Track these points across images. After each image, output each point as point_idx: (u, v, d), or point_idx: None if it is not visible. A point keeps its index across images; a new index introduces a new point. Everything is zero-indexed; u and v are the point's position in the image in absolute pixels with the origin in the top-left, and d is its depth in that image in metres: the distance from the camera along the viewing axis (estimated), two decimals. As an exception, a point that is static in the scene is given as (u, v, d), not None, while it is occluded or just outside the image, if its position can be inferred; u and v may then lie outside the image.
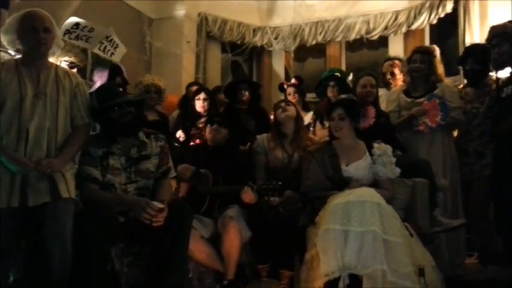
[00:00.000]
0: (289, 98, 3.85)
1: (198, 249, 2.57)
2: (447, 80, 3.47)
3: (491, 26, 2.95)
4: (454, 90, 3.32)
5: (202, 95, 3.73)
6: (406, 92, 3.36)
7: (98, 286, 2.04)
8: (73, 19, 3.55)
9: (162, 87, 3.83)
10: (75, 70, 3.39)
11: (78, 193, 2.25)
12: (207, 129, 2.96)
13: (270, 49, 5.58)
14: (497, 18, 3.43)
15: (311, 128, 3.52)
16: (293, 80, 3.94)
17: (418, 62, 3.28)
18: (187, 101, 3.97)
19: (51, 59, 2.49)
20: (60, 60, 3.35)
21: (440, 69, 3.33)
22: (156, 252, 2.22)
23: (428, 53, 3.35)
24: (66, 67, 3.32)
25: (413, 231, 2.40)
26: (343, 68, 5.33)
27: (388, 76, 3.70)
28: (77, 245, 2.08)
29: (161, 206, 2.17)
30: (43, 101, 2.16)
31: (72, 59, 3.42)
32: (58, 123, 2.20)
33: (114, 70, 3.71)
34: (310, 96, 4.28)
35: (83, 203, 2.27)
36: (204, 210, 2.74)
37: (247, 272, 2.79)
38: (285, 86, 3.97)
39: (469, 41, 4.20)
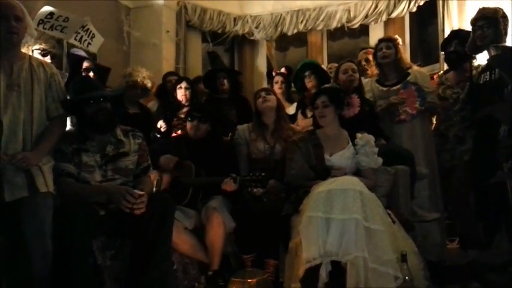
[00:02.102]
0: (276, 86, 3.83)
1: (182, 240, 2.55)
2: (416, 67, 3.52)
3: (481, 7, 2.95)
4: (426, 75, 3.40)
5: (183, 84, 3.69)
6: (379, 82, 3.40)
7: (80, 280, 2.00)
8: (47, 8, 3.44)
9: (150, 87, 3.80)
10: (48, 57, 3.31)
11: (55, 189, 2.19)
12: (188, 125, 2.91)
13: (252, 38, 5.54)
14: (476, 5, 3.45)
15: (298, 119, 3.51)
16: (283, 69, 3.93)
17: (384, 49, 3.32)
18: (165, 91, 3.93)
19: (23, 49, 2.41)
20: (32, 50, 3.24)
21: (406, 56, 3.38)
22: (138, 244, 2.19)
23: (391, 40, 3.39)
24: (39, 55, 3.23)
25: (396, 218, 2.42)
26: (325, 56, 5.34)
27: (363, 63, 3.75)
28: (57, 240, 2.03)
29: (141, 192, 2.15)
30: (17, 92, 2.09)
31: (43, 46, 3.32)
32: (33, 115, 2.13)
33: (74, 60, 3.60)
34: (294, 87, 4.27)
35: (61, 198, 2.21)
36: (187, 202, 2.71)
37: (232, 262, 2.78)
38: (274, 74, 3.94)
39: (448, 28, 4.24)
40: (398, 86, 3.27)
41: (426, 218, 2.91)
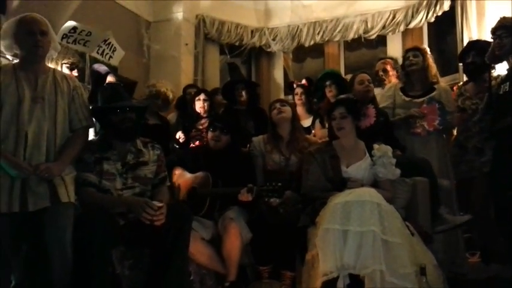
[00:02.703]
0: (296, 97, 3.84)
1: (199, 251, 2.56)
2: (443, 82, 3.50)
3: (501, 16, 2.93)
4: (450, 93, 3.36)
5: (202, 96, 3.74)
6: (403, 90, 3.37)
7: (99, 287, 2.03)
8: (70, 23, 3.56)
9: (171, 99, 3.88)
10: (75, 71, 3.42)
11: (77, 198, 2.24)
12: (209, 135, 2.94)
13: (269, 50, 5.59)
14: (495, 15, 3.42)
15: (312, 131, 3.51)
16: (303, 81, 3.93)
17: (412, 57, 3.31)
18: (184, 103, 3.99)
19: (50, 64, 2.50)
20: (61, 64, 3.37)
21: (434, 69, 3.36)
22: (156, 254, 2.22)
23: (419, 49, 3.38)
24: (67, 70, 3.34)
25: (415, 230, 2.39)
26: (342, 67, 5.34)
27: (381, 73, 3.74)
28: (78, 249, 2.07)
29: (160, 204, 2.18)
30: (41, 104, 2.16)
31: (71, 60, 3.44)
32: (57, 127, 2.19)
33: (96, 75, 3.69)
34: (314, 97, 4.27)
35: (82, 208, 2.26)
36: (204, 212, 2.73)
37: (248, 273, 2.78)
38: (294, 85, 3.95)
39: (467, 38, 4.20)
40: (422, 99, 3.24)
41: (459, 221, 2.84)
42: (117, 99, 2.38)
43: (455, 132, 3.48)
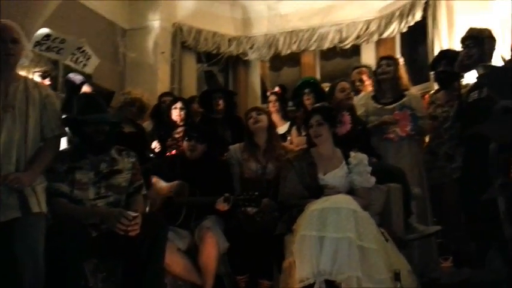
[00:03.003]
0: (270, 105, 3.86)
1: (175, 261, 2.53)
2: (413, 89, 3.59)
3: (470, 27, 3.03)
4: (420, 99, 3.47)
5: (179, 104, 3.72)
6: (375, 98, 3.45)
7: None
8: (43, 30, 3.50)
9: (146, 107, 3.85)
10: (47, 79, 3.34)
11: (48, 209, 2.18)
12: (185, 144, 2.93)
13: (246, 59, 5.61)
14: (464, 26, 3.54)
15: (288, 137, 3.54)
16: (276, 88, 3.97)
17: (385, 66, 3.40)
18: (160, 111, 3.96)
19: (22, 72, 2.44)
20: (33, 72, 3.29)
21: (406, 77, 3.45)
22: (130, 266, 2.17)
23: (393, 58, 3.49)
24: (39, 78, 3.27)
25: (389, 236, 2.43)
26: (318, 76, 5.41)
27: (358, 83, 3.81)
28: (50, 261, 2.02)
29: (135, 214, 2.14)
30: (11, 114, 2.11)
31: (44, 68, 3.37)
32: (28, 136, 2.15)
33: (71, 85, 3.63)
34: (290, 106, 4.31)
35: (53, 219, 2.20)
36: (180, 222, 2.71)
37: (225, 283, 2.76)
38: (268, 93, 3.98)
39: (438, 48, 4.32)
40: (393, 106, 3.33)
41: (428, 231, 2.90)
42: (91, 110, 2.33)
43: (427, 139, 3.57)
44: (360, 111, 3.39)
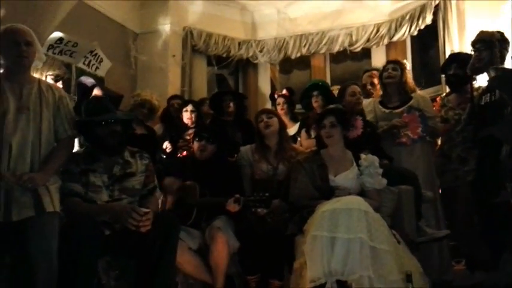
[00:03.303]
0: (279, 108, 3.87)
1: (186, 261, 2.54)
2: (426, 94, 3.58)
3: (480, 30, 3.02)
4: (428, 100, 3.44)
5: (189, 107, 3.75)
6: (382, 103, 3.44)
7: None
8: (56, 34, 3.54)
9: (156, 108, 3.89)
10: (60, 83, 3.39)
11: (62, 209, 2.21)
12: (195, 144, 2.95)
13: (256, 62, 5.63)
14: (475, 29, 3.52)
15: (298, 139, 3.54)
16: (284, 91, 3.98)
17: (391, 70, 3.39)
18: (169, 115, 3.99)
19: (35, 74, 2.48)
20: (46, 75, 3.34)
21: (412, 84, 3.45)
22: (143, 265, 2.18)
23: (399, 63, 3.47)
24: (52, 81, 3.32)
25: (400, 238, 2.41)
26: (328, 79, 5.41)
27: (369, 86, 3.80)
28: (63, 259, 2.04)
29: (146, 210, 2.16)
30: (26, 115, 2.15)
31: (56, 72, 3.42)
32: (41, 137, 2.18)
33: (83, 88, 3.66)
34: (298, 108, 4.32)
35: (67, 217, 2.23)
36: (191, 222, 2.72)
37: (236, 283, 2.76)
38: (276, 96, 4.00)
39: (449, 51, 4.30)
40: (401, 109, 3.32)
41: (437, 235, 2.88)
42: (101, 111, 2.35)
43: (439, 142, 3.55)
44: (368, 117, 3.39)
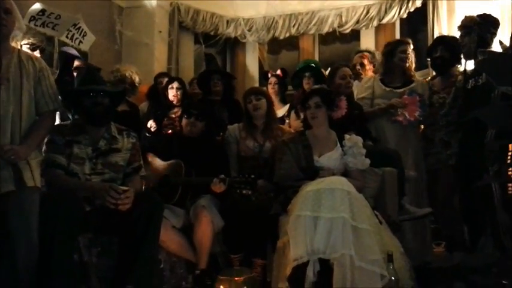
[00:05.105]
0: (270, 87, 3.85)
1: (170, 238, 2.54)
2: (417, 75, 3.56)
3: (465, 16, 3.03)
4: (427, 88, 3.42)
5: (175, 84, 3.68)
6: (382, 81, 3.41)
7: (63, 276, 1.98)
8: (38, 5, 3.41)
9: (137, 82, 3.81)
10: (37, 52, 3.28)
11: (43, 180, 2.18)
12: (184, 121, 2.92)
13: (244, 41, 5.55)
14: (464, 12, 3.52)
15: (286, 121, 3.53)
16: (278, 71, 3.94)
17: (410, 51, 3.36)
18: (156, 92, 3.93)
19: (11, 44, 2.39)
20: (21, 45, 3.21)
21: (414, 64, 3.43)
22: (125, 242, 2.18)
23: (410, 44, 3.43)
24: (28, 50, 3.21)
25: (383, 219, 2.44)
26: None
27: (358, 67, 3.78)
28: (43, 233, 2.01)
29: (125, 188, 2.14)
30: (5, 86, 2.08)
31: (31, 40, 3.28)
32: (22, 110, 2.12)
33: (64, 58, 3.58)
34: (289, 89, 4.28)
35: (47, 188, 2.20)
36: (176, 201, 2.71)
37: (219, 261, 2.77)
38: (269, 75, 3.96)
39: (437, 35, 4.30)
40: (403, 90, 3.30)
41: (418, 213, 2.93)
42: (91, 82, 2.34)
43: (422, 125, 3.57)
44: (365, 93, 3.38)
